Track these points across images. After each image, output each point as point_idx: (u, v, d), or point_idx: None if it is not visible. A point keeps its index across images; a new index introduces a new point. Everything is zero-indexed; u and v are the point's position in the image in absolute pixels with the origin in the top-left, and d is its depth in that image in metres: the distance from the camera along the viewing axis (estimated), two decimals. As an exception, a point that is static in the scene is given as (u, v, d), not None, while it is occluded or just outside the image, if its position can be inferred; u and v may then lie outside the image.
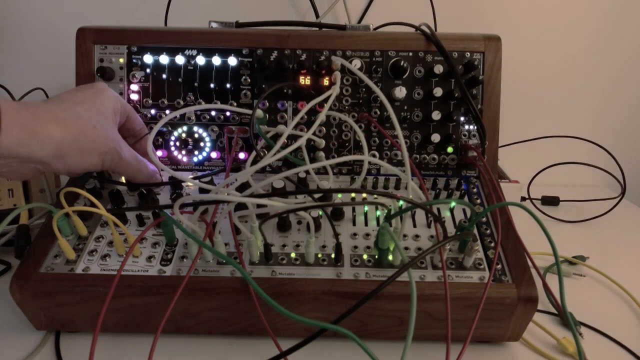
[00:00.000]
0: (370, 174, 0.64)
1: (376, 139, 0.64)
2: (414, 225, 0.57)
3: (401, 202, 0.51)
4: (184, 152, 0.65)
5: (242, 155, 0.64)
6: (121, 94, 0.64)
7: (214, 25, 0.68)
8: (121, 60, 0.64)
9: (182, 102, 0.64)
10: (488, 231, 0.56)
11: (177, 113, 0.55)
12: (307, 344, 0.38)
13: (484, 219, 0.57)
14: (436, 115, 0.63)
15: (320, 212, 0.56)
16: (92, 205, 0.50)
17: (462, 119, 0.64)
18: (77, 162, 0.47)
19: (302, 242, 0.54)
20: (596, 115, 1.02)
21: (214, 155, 0.65)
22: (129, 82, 0.64)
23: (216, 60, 0.63)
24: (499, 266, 0.52)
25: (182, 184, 0.60)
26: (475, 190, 0.62)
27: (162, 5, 0.85)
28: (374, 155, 0.64)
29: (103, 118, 0.51)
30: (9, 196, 0.69)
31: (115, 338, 0.53)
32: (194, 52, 0.63)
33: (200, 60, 0.63)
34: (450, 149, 0.65)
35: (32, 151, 0.43)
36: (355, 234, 0.55)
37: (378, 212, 0.58)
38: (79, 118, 0.47)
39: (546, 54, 0.95)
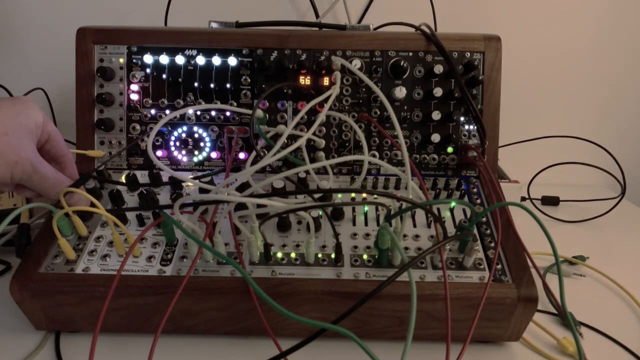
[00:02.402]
0: (370, 174, 0.64)
1: (376, 139, 0.64)
2: (414, 225, 0.57)
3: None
4: (184, 152, 0.65)
5: (242, 155, 0.64)
6: (121, 94, 0.64)
7: (214, 25, 0.68)
8: (121, 60, 0.64)
9: (182, 102, 0.64)
10: (488, 231, 0.56)
11: (177, 113, 0.55)
12: (307, 344, 0.38)
13: (484, 219, 0.57)
14: (436, 115, 0.63)
15: (320, 212, 0.56)
16: (92, 205, 0.50)
17: (462, 119, 0.64)
18: None
19: (302, 242, 0.54)
20: (596, 115, 1.02)
21: (214, 155, 0.65)
22: (129, 82, 0.64)
23: (216, 60, 0.63)
24: (499, 266, 0.52)
25: (182, 184, 0.60)
26: (475, 190, 0.62)
27: (162, 5, 0.85)
28: (374, 155, 0.64)
29: (19, 127, 0.47)
30: (9, 196, 0.69)
31: (115, 338, 0.53)
32: (194, 52, 0.63)
33: (200, 60, 0.63)
34: (450, 149, 0.65)
35: None
36: (355, 234, 0.55)
37: (378, 212, 0.58)
38: None
39: (546, 54, 0.95)
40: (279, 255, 0.52)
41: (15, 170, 0.46)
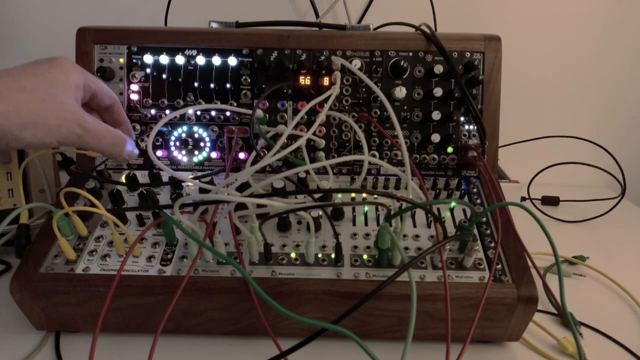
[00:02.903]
0: (370, 174, 0.64)
1: (376, 139, 0.64)
2: (414, 225, 0.57)
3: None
4: (184, 152, 0.65)
5: (242, 155, 0.64)
6: (121, 94, 0.64)
7: (214, 25, 0.68)
8: (121, 60, 0.64)
9: (182, 102, 0.64)
10: (488, 231, 0.56)
11: (177, 113, 0.55)
12: (307, 344, 0.38)
13: (484, 219, 0.57)
14: (436, 115, 0.63)
15: (320, 212, 0.56)
16: (92, 205, 0.50)
17: (462, 119, 0.64)
18: (18, 137, 0.43)
19: (302, 242, 0.54)
20: (596, 115, 1.02)
21: (214, 155, 0.65)
22: (129, 82, 0.64)
23: (216, 60, 0.63)
24: (499, 266, 0.52)
25: (182, 184, 0.60)
26: (475, 190, 0.62)
27: (162, 5, 0.85)
28: (374, 155, 0.64)
29: (57, 91, 0.46)
30: (9, 196, 0.69)
31: (115, 338, 0.53)
32: (194, 52, 0.63)
33: (200, 60, 0.63)
34: (450, 149, 0.65)
35: None
36: (355, 234, 0.55)
37: (378, 212, 0.58)
38: (22, 92, 0.43)
39: (546, 53, 0.95)
40: (279, 255, 0.52)
41: (61, 135, 0.45)
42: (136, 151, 0.54)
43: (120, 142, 0.50)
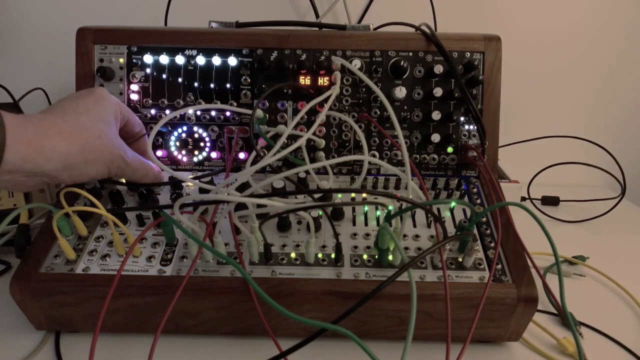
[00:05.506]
0: (370, 174, 0.64)
1: (376, 139, 0.64)
2: (414, 225, 0.57)
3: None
4: (184, 152, 0.65)
5: (242, 155, 0.64)
6: (121, 94, 0.64)
7: (214, 25, 0.68)
8: (121, 60, 0.64)
9: (182, 102, 0.64)
10: (488, 231, 0.56)
11: (177, 113, 0.55)
12: (307, 344, 0.38)
13: (484, 219, 0.57)
14: (436, 115, 0.63)
15: (320, 212, 0.56)
16: (92, 205, 0.50)
17: (462, 119, 0.64)
18: (83, 172, 0.47)
19: (302, 242, 0.54)
20: (596, 115, 1.02)
21: (214, 155, 0.65)
22: (129, 82, 0.64)
23: (216, 60, 0.63)
24: (499, 266, 0.52)
25: (182, 184, 0.60)
26: (475, 190, 0.62)
27: (162, 5, 0.85)
28: (374, 155, 0.64)
29: (107, 126, 0.50)
30: (9, 196, 0.69)
31: (115, 338, 0.53)
32: (194, 52, 0.63)
33: (200, 60, 0.63)
34: (450, 149, 0.65)
35: (38, 165, 0.43)
36: (355, 234, 0.55)
37: (378, 212, 0.58)
38: (83, 129, 0.47)
39: (546, 53, 0.95)
40: (279, 255, 0.52)
41: (112, 168, 0.50)
42: (162, 177, 0.60)
43: (150, 173, 0.57)
